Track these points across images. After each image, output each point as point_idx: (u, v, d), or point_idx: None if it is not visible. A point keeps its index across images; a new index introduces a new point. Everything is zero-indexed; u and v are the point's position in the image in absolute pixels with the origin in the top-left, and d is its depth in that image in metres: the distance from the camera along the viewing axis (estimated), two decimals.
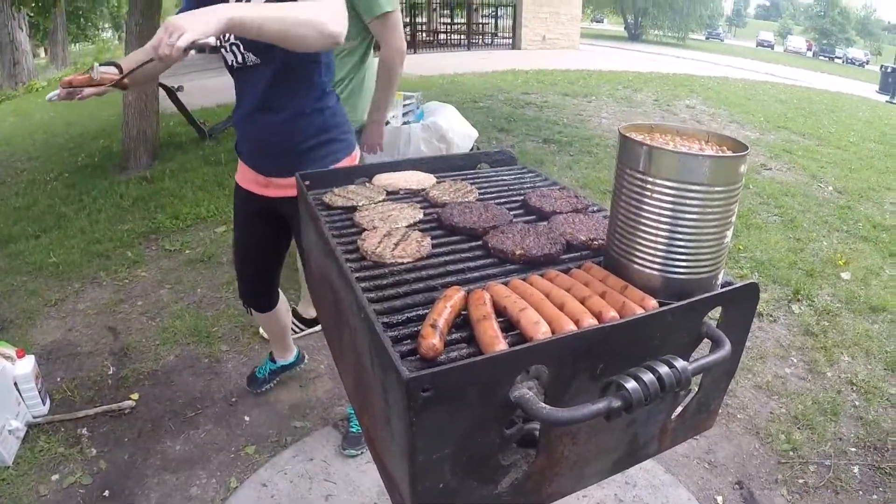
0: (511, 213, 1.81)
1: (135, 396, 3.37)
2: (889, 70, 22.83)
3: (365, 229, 1.68)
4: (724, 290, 1.37)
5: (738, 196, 1.32)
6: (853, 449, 3.12)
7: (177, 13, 2.24)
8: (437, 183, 2.06)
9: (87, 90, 1.84)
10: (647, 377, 1.09)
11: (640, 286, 1.34)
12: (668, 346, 1.25)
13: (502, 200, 1.96)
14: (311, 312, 3.89)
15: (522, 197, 1.96)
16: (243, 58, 2.25)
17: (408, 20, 24.59)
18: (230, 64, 2.32)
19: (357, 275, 1.43)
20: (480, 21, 26.35)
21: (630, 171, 1.34)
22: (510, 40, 25.09)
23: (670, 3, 45.32)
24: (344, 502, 2.72)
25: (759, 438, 3.16)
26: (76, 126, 10.39)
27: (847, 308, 4.46)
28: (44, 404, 3.23)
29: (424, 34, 25.07)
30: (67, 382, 3.48)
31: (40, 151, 8.91)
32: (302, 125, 2.34)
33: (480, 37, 25.55)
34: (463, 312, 1.27)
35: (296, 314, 3.92)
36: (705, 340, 1.32)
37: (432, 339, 1.11)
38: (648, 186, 1.30)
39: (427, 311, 1.27)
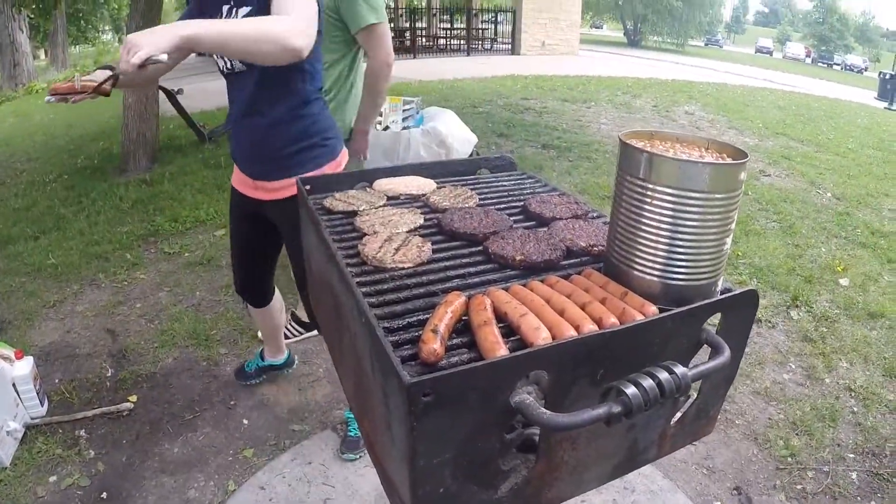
0: (511, 218, 1.82)
1: (133, 398, 3.36)
2: (887, 77, 22.85)
3: (366, 234, 1.68)
4: (723, 296, 1.37)
5: (738, 203, 1.33)
6: (851, 455, 3.12)
7: (179, 18, 2.25)
8: (438, 188, 2.07)
9: (76, 96, 1.85)
10: (647, 383, 1.09)
11: (640, 292, 1.35)
12: (668, 352, 1.25)
13: (502, 206, 1.96)
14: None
15: (522, 203, 1.97)
16: (232, 63, 2.28)
17: (407, 25, 24.66)
18: (221, 69, 2.36)
19: (358, 279, 1.43)
20: (480, 26, 26.38)
21: (630, 177, 1.34)
22: (510, 46, 25.14)
23: (669, 10, 45.36)
24: None
25: (758, 444, 3.16)
26: (76, 128, 10.40)
27: (845, 314, 4.47)
28: (42, 405, 3.23)
29: (424, 39, 25.12)
30: (66, 384, 3.48)
31: (40, 153, 8.91)
32: (283, 131, 2.36)
33: (480, 42, 25.59)
34: (464, 318, 1.27)
35: (294, 317, 3.92)
36: (704, 346, 1.33)
37: (433, 344, 1.11)
38: (649, 193, 1.30)
39: (428, 316, 1.27)
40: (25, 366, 3.18)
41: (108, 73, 1.90)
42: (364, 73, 3.29)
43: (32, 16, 16.85)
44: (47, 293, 4.55)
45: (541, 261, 1.52)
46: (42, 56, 31.61)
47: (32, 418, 3.16)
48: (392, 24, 25.42)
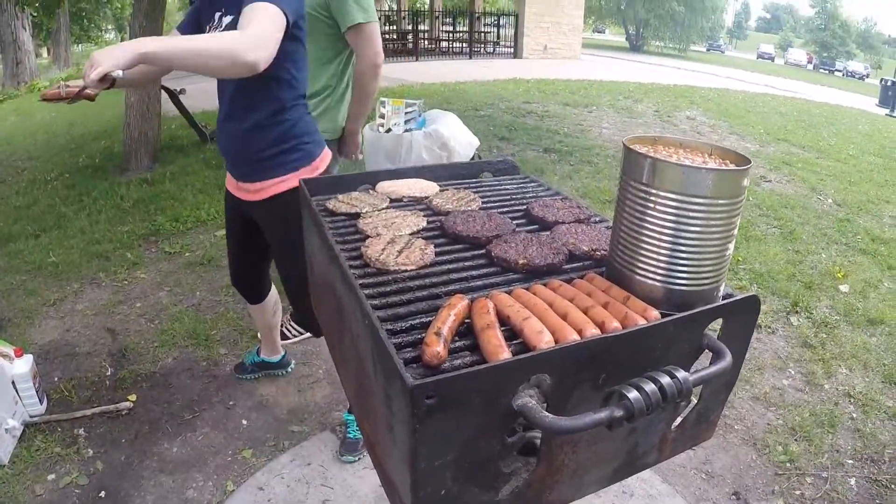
0: (514, 222, 1.82)
1: (132, 398, 3.36)
2: (889, 83, 22.86)
3: (368, 236, 1.68)
4: (725, 301, 1.38)
5: (741, 209, 1.33)
6: (850, 461, 3.13)
7: (183, 18, 2.27)
8: (441, 191, 2.07)
9: (61, 101, 1.92)
10: (649, 387, 1.09)
11: (643, 297, 1.35)
12: (670, 356, 1.26)
13: (505, 210, 1.97)
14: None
15: (525, 206, 1.97)
16: None
17: (410, 27, 24.66)
18: None
19: (360, 281, 1.44)
20: (482, 30, 26.36)
21: (634, 182, 1.35)
22: (512, 49, 25.15)
23: (672, 15, 45.41)
24: None
25: (757, 449, 3.16)
26: (77, 126, 10.40)
27: (845, 320, 4.47)
28: (41, 404, 3.23)
29: (426, 42, 25.13)
30: (65, 382, 3.48)
31: (41, 151, 8.92)
32: (261, 135, 2.40)
33: (482, 45, 25.59)
34: (466, 321, 1.27)
35: (294, 318, 3.92)
36: (706, 351, 1.33)
37: (436, 347, 1.11)
38: (652, 198, 1.31)
39: (431, 318, 1.27)
40: (25, 364, 3.18)
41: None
42: (353, 74, 3.30)
43: (35, 14, 16.84)
44: (47, 291, 4.55)
45: (543, 265, 1.52)
46: (45, 54, 31.67)
47: (31, 416, 3.16)
48: (395, 27, 25.50)
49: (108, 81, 1.75)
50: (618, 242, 1.42)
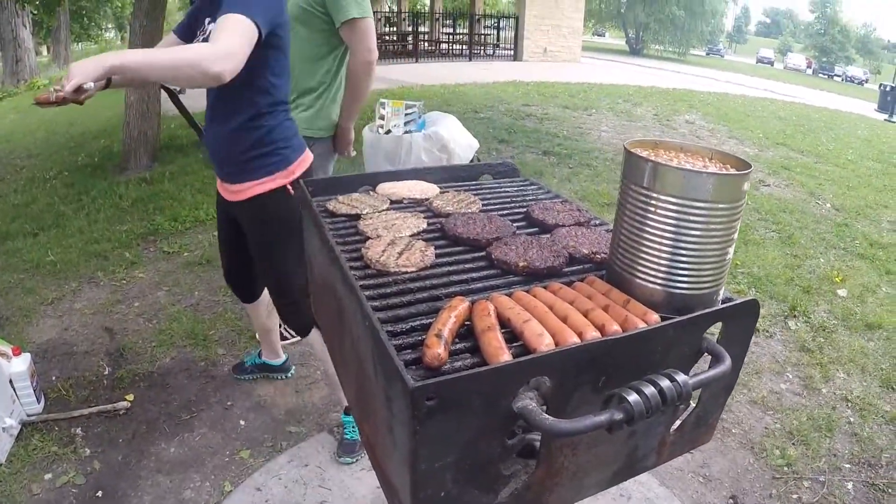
0: (514, 225, 1.82)
1: (130, 397, 3.36)
2: (888, 89, 22.88)
3: (369, 237, 1.69)
4: (725, 305, 1.38)
5: (741, 213, 1.33)
6: (847, 465, 3.13)
7: (183, 17, 2.29)
8: (441, 193, 2.07)
9: (50, 106, 1.95)
10: (649, 390, 1.10)
11: (643, 300, 1.35)
12: (670, 360, 1.26)
13: (505, 212, 1.97)
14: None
15: (525, 209, 1.98)
16: None
17: (410, 29, 24.67)
18: None
19: (361, 283, 1.44)
20: (482, 32, 26.38)
21: (634, 186, 1.35)
22: (512, 52, 25.15)
23: (672, 19, 45.39)
24: None
25: (754, 453, 3.17)
26: (77, 125, 10.40)
27: (843, 325, 4.47)
28: (38, 403, 3.22)
29: (427, 44, 25.15)
30: (63, 381, 3.48)
31: (40, 149, 8.91)
32: (238, 140, 2.47)
33: (482, 48, 25.61)
34: (467, 323, 1.28)
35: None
36: (705, 355, 1.33)
37: (437, 349, 1.11)
38: (652, 202, 1.31)
39: (431, 320, 1.28)
40: (22, 363, 3.17)
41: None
42: (346, 70, 3.30)
43: (36, 12, 16.84)
44: (46, 290, 4.55)
45: (544, 267, 1.53)
46: (45, 52, 31.65)
47: (29, 415, 3.15)
48: (395, 28, 25.52)
49: (82, 92, 1.85)
50: (618, 246, 1.42)
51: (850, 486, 3.00)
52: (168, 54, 1.95)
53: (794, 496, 2.92)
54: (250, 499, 2.74)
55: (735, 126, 11.96)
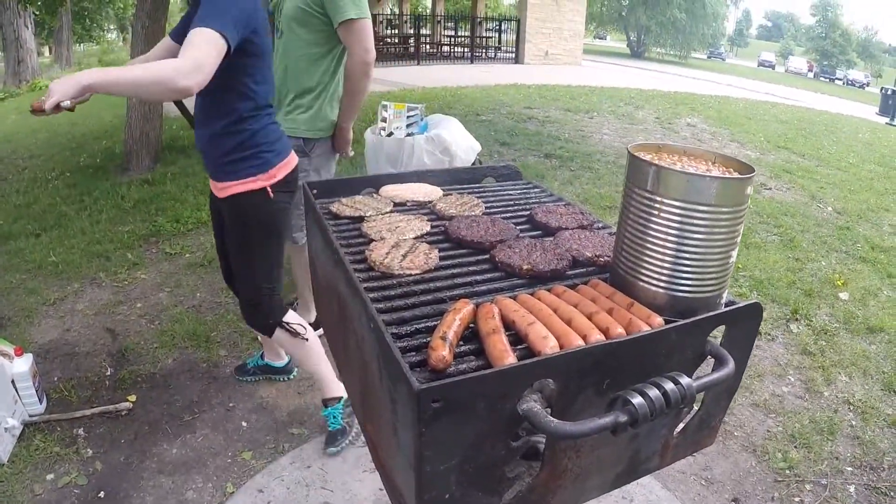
0: (517, 227, 1.83)
1: (132, 398, 3.36)
2: (889, 92, 22.90)
3: (372, 240, 1.69)
4: (728, 308, 1.38)
5: (744, 217, 1.34)
6: (849, 468, 3.13)
7: (179, 20, 2.34)
8: (444, 196, 2.08)
9: (42, 114, 2.07)
10: (653, 393, 1.10)
11: (646, 303, 1.36)
12: (673, 362, 1.26)
13: (508, 215, 1.98)
14: (309, 318, 3.89)
15: (528, 212, 1.98)
16: None
17: (412, 31, 24.67)
18: None
19: (365, 285, 1.44)
20: (484, 35, 26.37)
21: (638, 189, 1.35)
22: (513, 55, 25.14)
23: (673, 22, 45.46)
24: None
25: (756, 456, 3.17)
26: (79, 126, 10.39)
27: (845, 328, 4.47)
28: (40, 403, 3.22)
29: (428, 46, 25.15)
30: (65, 382, 3.47)
31: (42, 150, 8.91)
32: (220, 142, 2.56)
33: (484, 50, 25.58)
34: (471, 325, 1.28)
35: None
36: (708, 358, 1.34)
37: (442, 351, 1.12)
38: (656, 206, 1.32)
39: (435, 322, 1.28)
40: (25, 363, 3.17)
41: None
42: (344, 71, 3.31)
43: (38, 13, 16.87)
44: (48, 291, 4.55)
45: (547, 270, 1.53)
46: (47, 53, 31.69)
47: (31, 416, 3.15)
48: (396, 31, 25.51)
49: (61, 109, 1.99)
50: (622, 249, 1.43)
51: (852, 489, 3.00)
52: (138, 72, 2.06)
53: (797, 499, 2.92)
54: (252, 500, 2.74)
55: (737, 129, 11.95)
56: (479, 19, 26.17)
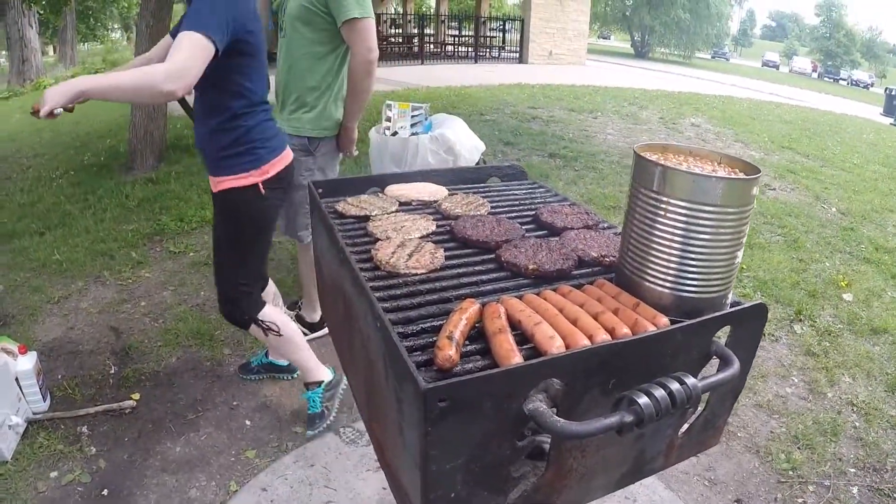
0: (523, 227, 1.83)
1: (136, 396, 3.36)
2: (894, 93, 22.87)
3: (378, 239, 1.69)
4: (734, 309, 1.38)
5: (750, 217, 1.34)
6: (853, 469, 3.12)
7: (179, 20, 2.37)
8: (450, 195, 2.08)
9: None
10: (659, 393, 1.10)
11: (652, 303, 1.36)
12: (679, 363, 1.26)
13: (514, 215, 1.98)
14: (314, 317, 3.90)
15: (534, 212, 1.98)
16: None
17: (416, 31, 24.67)
18: None
19: (371, 284, 1.44)
20: (488, 34, 26.36)
21: (644, 190, 1.35)
22: (517, 54, 25.12)
23: (677, 22, 45.40)
24: None
25: (760, 457, 3.16)
26: (83, 125, 10.41)
27: (848, 329, 4.47)
28: (44, 401, 3.23)
29: (432, 45, 25.14)
30: (68, 380, 3.48)
31: (46, 149, 8.92)
32: (215, 139, 2.64)
33: (487, 50, 25.56)
34: (477, 325, 1.28)
35: (300, 319, 3.93)
36: (713, 358, 1.34)
37: (449, 351, 1.12)
38: (662, 206, 1.32)
39: (441, 322, 1.28)
40: (29, 361, 3.18)
41: None
42: (348, 70, 3.32)
43: (42, 12, 16.90)
44: (52, 289, 4.55)
45: (553, 270, 1.53)
46: (51, 52, 31.75)
47: (34, 413, 3.16)
48: (400, 30, 25.50)
49: (54, 115, 2.09)
50: (627, 249, 1.43)
51: (855, 490, 3.00)
52: (125, 78, 2.17)
53: (800, 500, 2.92)
54: (256, 499, 2.75)
55: (741, 129, 11.93)
56: (482, 19, 26.18)
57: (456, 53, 25.02)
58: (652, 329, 1.25)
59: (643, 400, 1.08)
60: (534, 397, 1.08)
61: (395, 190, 2.08)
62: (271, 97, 3.35)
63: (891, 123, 19.47)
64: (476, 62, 24.11)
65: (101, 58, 27.62)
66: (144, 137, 7.39)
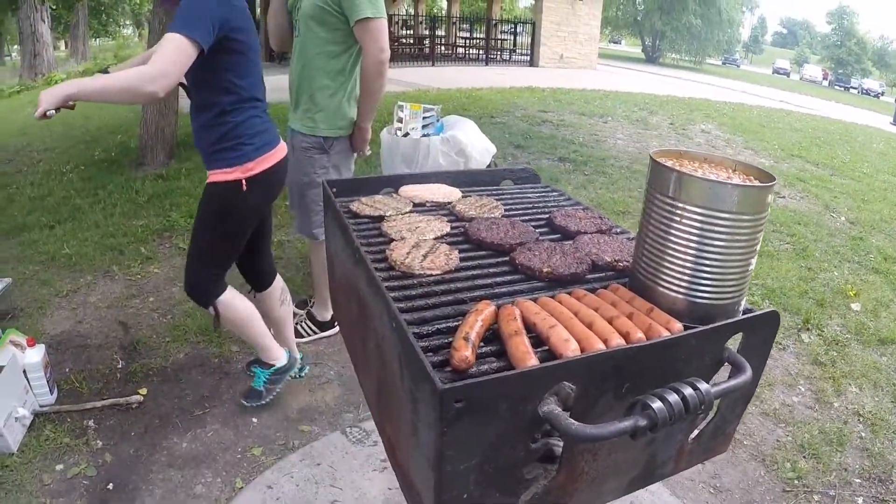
0: (536, 230, 1.83)
1: (143, 391, 3.37)
2: None
3: (393, 239, 1.70)
4: (747, 316, 1.39)
5: (764, 225, 1.34)
6: (858, 480, 3.12)
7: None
8: (463, 197, 2.08)
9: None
10: (672, 398, 1.10)
11: (665, 309, 1.36)
12: (691, 368, 1.26)
13: (527, 218, 1.98)
14: (325, 316, 3.91)
15: (547, 215, 1.99)
16: None
17: (427, 32, 24.68)
18: None
19: (386, 284, 1.45)
20: (499, 37, 26.35)
21: (660, 195, 1.36)
22: (528, 57, 25.11)
23: (688, 28, 45.36)
24: None
25: (765, 465, 3.16)
26: (94, 120, 10.43)
27: (856, 339, 4.46)
28: (51, 394, 3.25)
29: (443, 47, 25.15)
30: (76, 374, 3.49)
31: (57, 143, 8.94)
32: (206, 133, 2.74)
33: (498, 52, 25.53)
34: (492, 327, 1.29)
35: (311, 317, 3.94)
36: (724, 365, 1.34)
37: (465, 352, 1.12)
38: (677, 212, 1.32)
39: (456, 323, 1.29)
40: (37, 353, 3.20)
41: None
42: (360, 70, 3.34)
43: (55, 7, 16.96)
44: (61, 282, 4.57)
45: (567, 274, 1.53)
46: (62, 47, 31.87)
47: (41, 406, 3.17)
48: (412, 31, 25.51)
49: (47, 116, 2.22)
50: (642, 254, 1.43)
51: (860, 500, 2.99)
52: (110, 80, 2.26)
53: None
54: (261, 496, 2.75)
55: (751, 137, 11.92)
56: (494, 21, 26.17)
57: (467, 55, 25.02)
58: (666, 334, 1.25)
59: (657, 404, 1.09)
60: (548, 400, 1.08)
61: (409, 191, 2.08)
62: (284, 96, 3.37)
63: None
64: (487, 64, 24.10)
65: (112, 53, 27.67)
66: (155, 134, 7.40)
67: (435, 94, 13.55)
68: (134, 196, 6.41)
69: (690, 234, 1.31)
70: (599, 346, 1.18)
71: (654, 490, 2.87)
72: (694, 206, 1.29)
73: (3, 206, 6.23)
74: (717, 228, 1.29)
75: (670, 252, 1.35)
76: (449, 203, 2.03)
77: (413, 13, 31.54)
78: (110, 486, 2.78)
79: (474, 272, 1.57)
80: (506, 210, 2.02)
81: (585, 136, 10.29)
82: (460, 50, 25.36)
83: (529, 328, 1.27)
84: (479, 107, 12.10)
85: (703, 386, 1.14)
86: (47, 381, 3.21)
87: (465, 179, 2.28)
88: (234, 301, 3.02)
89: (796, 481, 3.07)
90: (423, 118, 4.40)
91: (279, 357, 3.25)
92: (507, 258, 1.65)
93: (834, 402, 3.71)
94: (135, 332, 3.97)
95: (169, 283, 4.62)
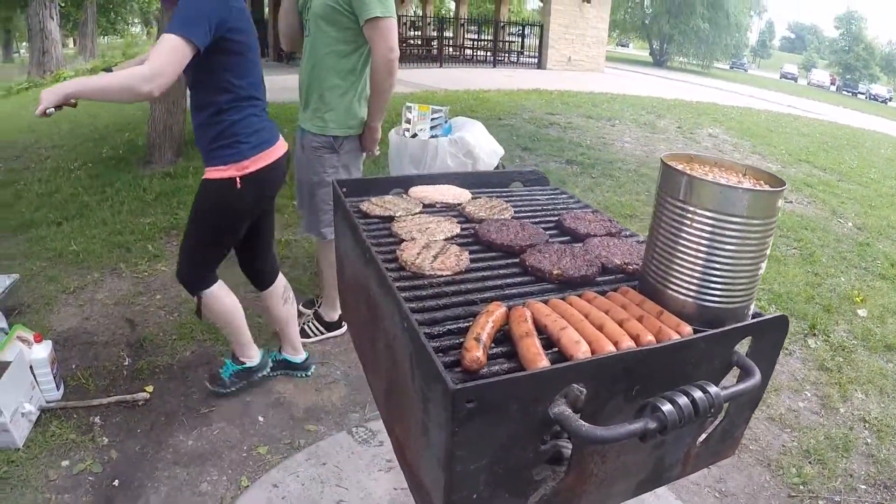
0: (546, 232, 1.84)
1: (149, 389, 3.38)
2: None
3: (403, 240, 1.70)
4: (756, 320, 1.39)
5: (774, 229, 1.34)
6: (863, 486, 3.11)
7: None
8: (473, 199, 2.09)
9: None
10: (682, 401, 1.11)
11: (675, 312, 1.36)
12: (700, 372, 1.27)
13: (537, 220, 1.98)
14: (332, 316, 3.91)
15: (556, 218, 1.99)
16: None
17: (435, 34, 24.69)
18: None
19: (397, 284, 1.45)
20: (507, 39, 26.34)
21: (670, 199, 1.36)
22: (536, 59, 25.10)
23: (696, 32, 45.33)
24: None
25: (771, 470, 3.16)
26: (101, 118, 10.47)
27: (862, 345, 4.45)
28: (58, 390, 3.26)
29: (451, 49, 25.16)
30: (82, 370, 3.50)
31: (65, 140, 8.97)
32: (203, 131, 2.78)
33: (506, 55, 25.54)
34: (503, 328, 1.29)
35: (318, 317, 3.95)
36: (733, 369, 1.34)
37: (476, 352, 1.13)
38: (688, 215, 1.32)
39: (466, 324, 1.29)
40: (44, 349, 3.21)
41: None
42: (370, 70, 3.35)
43: (64, 4, 17.03)
44: (68, 279, 4.58)
45: (577, 276, 1.54)
46: (71, 45, 31.96)
47: (48, 402, 3.18)
48: (420, 32, 25.52)
49: (47, 114, 2.26)
50: (652, 257, 1.43)
51: None
52: (106, 80, 2.33)
53: None
54: (267, 495, 2.76)
55: (758, 141, 11.90)
56: (502, 23, 26.17)
57: (475, 57, 25.03)
58: (676, 337, 1.26)
59: (667, 407, 1.09)
60: (559, 401, 1.09)
61: (418, 191, 2.09)
62: (292, 96, 3.38)
63: None
64: (494, 66, 24.11)
65: (120, 51, 27.80)
66: (163, 132, 7.42)
67: (443, 95, 13.56)
68: (141, 194, 6.43)
69: (701, 237, 1.31)
70: (610, 349, 1.18)
71: (660, 493, 2.87)
72: (704, 210, 1.30)
73: (11, 202, 6.26)
74: (727, 232, 1.29)
75: (680, 255, 1.35)
76: (459, 204, 2.03)
77: (421, 14, 31.55)
78: (116, 482, 2.79)
79: (484, 273, 1.58)
80: (515, 212, 2.02)
81: (593, 139, 10.28)
82: (468, 52, 25.37)
83: (540, 330, 1.28)
84: (487, 108, 12.10)
85: (712, 389, 1.15)
86: (54, 377, 3.22)
87: (475, 181, 2.28)
88: (220, 294, 3.06)
89: (801, 487, 3.07)
90: (432, 119, 4.40)
91: (252, 357, 3.36)
92: (517, 260, 1.65)
93: (840, 408, 3.70)
94: (141, 329, 3.98)
95: (176, 280, 4.62)
